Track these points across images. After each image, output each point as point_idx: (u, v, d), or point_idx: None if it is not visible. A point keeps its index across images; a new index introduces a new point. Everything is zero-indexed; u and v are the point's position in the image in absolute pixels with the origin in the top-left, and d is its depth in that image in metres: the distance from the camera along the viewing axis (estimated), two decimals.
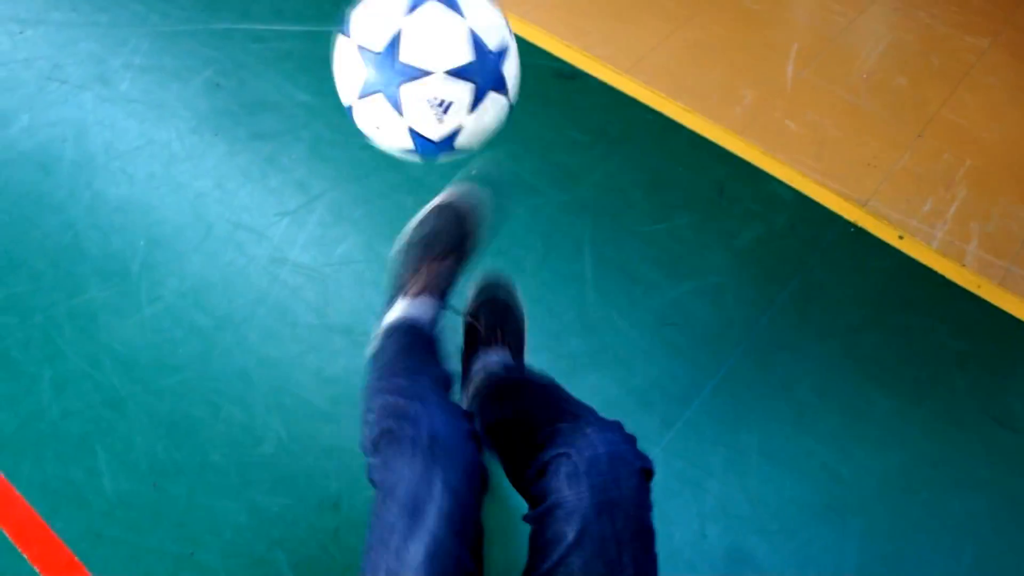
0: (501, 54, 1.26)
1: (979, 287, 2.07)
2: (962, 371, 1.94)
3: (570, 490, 1.15)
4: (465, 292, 1.73)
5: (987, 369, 1.95)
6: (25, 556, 1.57)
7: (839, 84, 2.46)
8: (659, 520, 1.68)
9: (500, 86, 1.26)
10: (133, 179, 2.10)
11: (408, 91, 1.19)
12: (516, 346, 1.73)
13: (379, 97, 1.21)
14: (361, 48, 1.21)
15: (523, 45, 2.48)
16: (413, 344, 1.49)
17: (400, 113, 1.21)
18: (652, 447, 1.75)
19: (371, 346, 1.53)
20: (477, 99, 1.23)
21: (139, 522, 1.62)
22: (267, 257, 1.99)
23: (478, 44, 1.21)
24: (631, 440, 1.22)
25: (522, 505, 1.28)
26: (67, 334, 1.84)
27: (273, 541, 1.61)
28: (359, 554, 1.60)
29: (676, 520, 1.69)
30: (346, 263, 1.98)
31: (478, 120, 1.25)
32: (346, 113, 1.30)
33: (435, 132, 1.24)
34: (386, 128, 1.25)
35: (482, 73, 1.22)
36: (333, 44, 1.29)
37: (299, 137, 2.21)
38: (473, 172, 1.96)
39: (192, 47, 2.40)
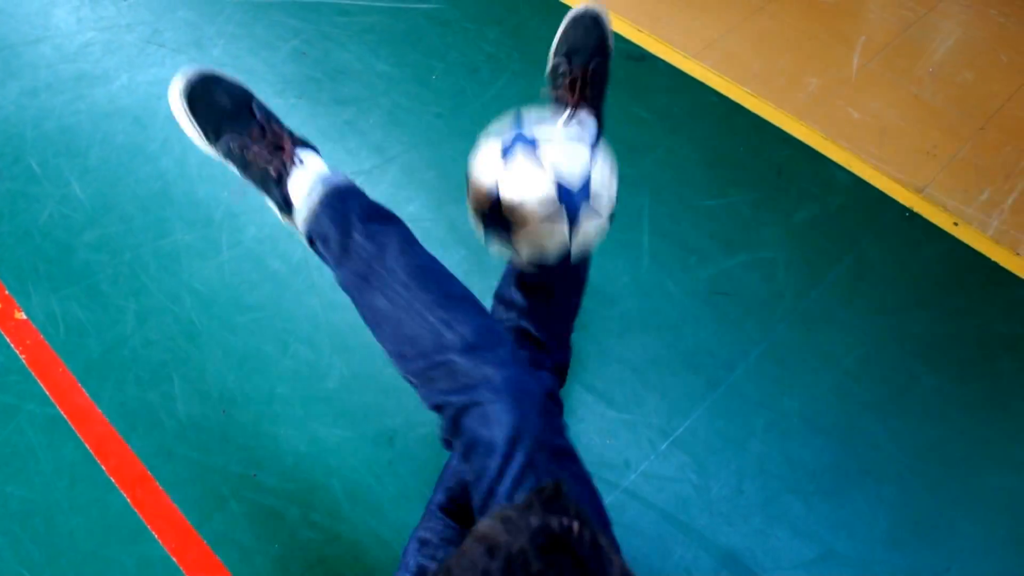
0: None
1: None
2: (1009, 355, 1.95)
3: None
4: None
5: None
6: (103, 467, 1.69)
7: (904, 76, 2.48)
8: (699, 474, 1.75)
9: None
10: None
11: None
12: (598, 93, 1.69)
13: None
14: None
15: None
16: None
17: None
18: (696, 406, 1.81)
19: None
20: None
21: (207, 444, 1.73)
22: None
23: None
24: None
25: None
26: (152, 272, 1.97)
27: (330, 469, 1.70)
28: (409, 485, 1.70)
29: (715, 475, 1.74)
30: (415, 220, 2.06)
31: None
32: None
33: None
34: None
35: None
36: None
37: (377, 104, 2.31)
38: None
39: (281, 18, 2.53)
